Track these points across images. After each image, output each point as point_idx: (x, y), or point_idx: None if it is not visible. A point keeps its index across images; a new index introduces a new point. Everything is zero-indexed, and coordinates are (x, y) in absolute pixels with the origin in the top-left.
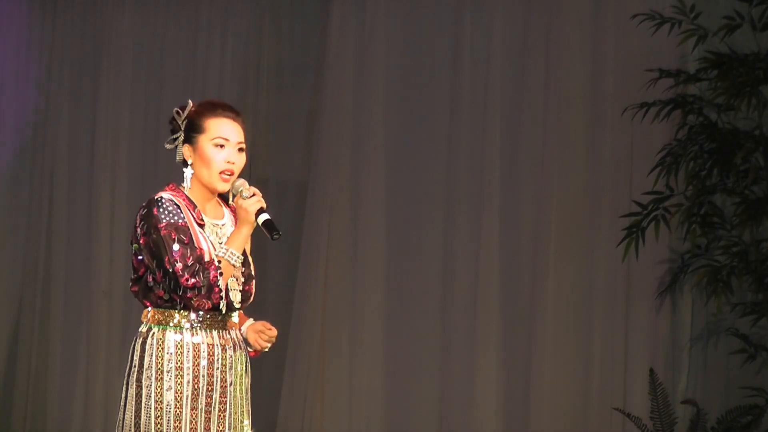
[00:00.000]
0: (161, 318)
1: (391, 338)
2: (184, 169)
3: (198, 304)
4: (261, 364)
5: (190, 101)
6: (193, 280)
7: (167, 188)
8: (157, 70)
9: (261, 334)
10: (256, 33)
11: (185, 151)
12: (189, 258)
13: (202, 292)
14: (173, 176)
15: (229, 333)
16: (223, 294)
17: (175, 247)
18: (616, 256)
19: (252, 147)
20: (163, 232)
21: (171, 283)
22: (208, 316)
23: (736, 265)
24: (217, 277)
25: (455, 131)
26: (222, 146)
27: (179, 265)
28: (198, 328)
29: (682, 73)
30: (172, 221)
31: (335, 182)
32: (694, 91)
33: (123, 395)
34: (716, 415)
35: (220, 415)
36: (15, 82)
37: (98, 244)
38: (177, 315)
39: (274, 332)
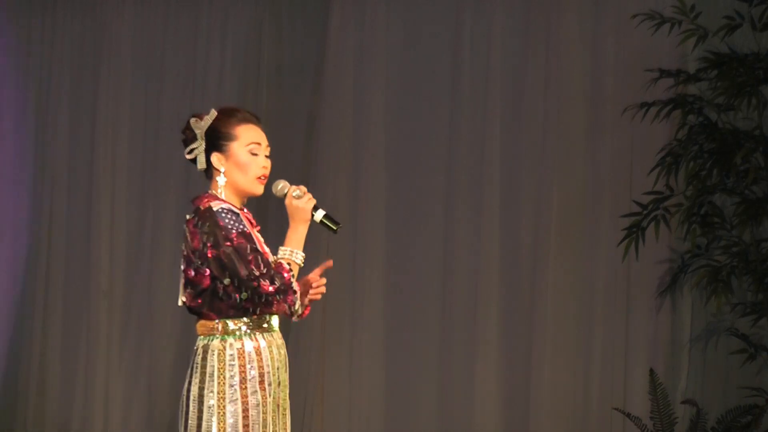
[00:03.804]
0: (233, 327)
1: (391, 338)
2: (218, 178)
3: (277, 309)
4: None
5: (213, 110)
6: (272, 286)
7: (209, 198)
8: (157, 70)
9: (313, 293)
10: (256, 33)
11: (215, 159)
12: (262, 265)
13: (281, 297)
14: (173, 176)
15: (274, 334)
16: (298, 295)
17: (250, 256)
18: (616, 256)
19: None
20: (236, 243)
21: (249, 291)
22: (261, 320)
23: (736, 265)
24: (291, 279)
25: (455, 131)
26: (256, 153)
27: (257, 273)
28: (258, 333)
29: (682, 73)
30: (240, 230)
31: (335, 182)
32: (694, 91)
33: (196, 408)
34: (716, 415)
35: (283, 414)
36: (15, 82)
37: (98, 244)
38: (243, 322)
39: (319, 283)
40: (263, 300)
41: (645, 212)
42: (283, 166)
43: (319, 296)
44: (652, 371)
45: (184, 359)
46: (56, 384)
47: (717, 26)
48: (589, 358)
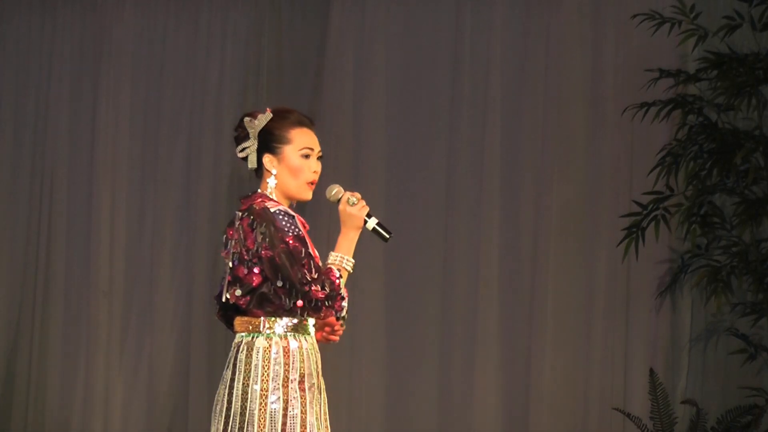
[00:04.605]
0: (278, 326)
1: (391, 338)
2: (268, 180)
3: (324, 315)
4: None
5: (268, 109)
6: (323, 292)
7: (262, 198)
8: (157, 70)
9: (330, 334)
10: (256, 33)
11: (267, 161)
12: (314, 270)
13: (330, 303)
14: (173, 176)
15: (312, 338)
16: (346, 302)
17: (304, 260)
18: (616, 256)
19: None
20: (291, 245)
21: (300, 295)
22: (305, 322)
23: (736, 265)
24: (340, 285)
25: (455, 131)
26: (308, 156)
27: (309, 278)
28: (300, 335)
29: (682, 73)
30: (296, 233)
31: (335, 182)
32: (694, 91)
33: (239, 405)
34: (716, 415)
35: (324, 418)
36: (15, 82)
37: (98, 244)
38: (288, 322)
39: (339, 328)
40: (313, 305)
41: (645, 212)
42: None
43: (336, 338)
44: (652, 371)
45: (184, 359)
46: (56, 384)
47: (717, 26)
48: (589, 358)
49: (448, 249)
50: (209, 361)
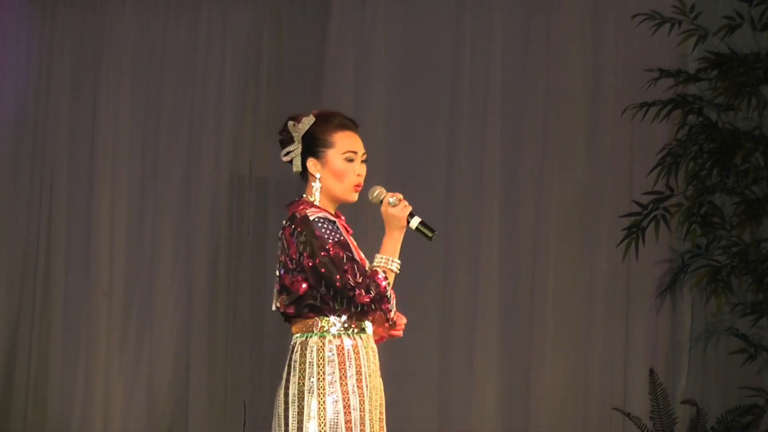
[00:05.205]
0: (332, 325)
1: (391, 338)
2: (313, 184)
3: (372, 318)
4: (259, 364)
5: (312, 114)
6: (368, 296)
7: (304, 205)
8: (157, 70)
9: (390, 329)
10: (256, 33)
11: (311, 165)
12: (358, 274)
13: (376, 306)
14: (173, 176)
15: (369, 337)
16: (393, 303)
17: (346, 266)
18: (616, 256)
19: (252, 147)
20: (332, 253)
21: (345, 301)
22: (358, 321)
23: (736, 265)
24: (386, 287)
25: (455, 131)
26: (352, 160)
27: (352, 283)
28: (355, 332)
29: (682, 73)
30: (336, 240)
31: None
32: (694, 91)
33: (296, 406)
34: (716, 415)
35: (380, 418)
36: (15, 82)
37: (98, 243)
38: (341, 321)
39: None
40: (359, 309)
41: (645, 212)
42: (283, 165)
43: (400, 333)
44: (652, 371)
45: (184, 359)
46: (56, 384)
47: (717, 26)
48: (589, 358)
49: (448, 248)
50: (209, 361)
